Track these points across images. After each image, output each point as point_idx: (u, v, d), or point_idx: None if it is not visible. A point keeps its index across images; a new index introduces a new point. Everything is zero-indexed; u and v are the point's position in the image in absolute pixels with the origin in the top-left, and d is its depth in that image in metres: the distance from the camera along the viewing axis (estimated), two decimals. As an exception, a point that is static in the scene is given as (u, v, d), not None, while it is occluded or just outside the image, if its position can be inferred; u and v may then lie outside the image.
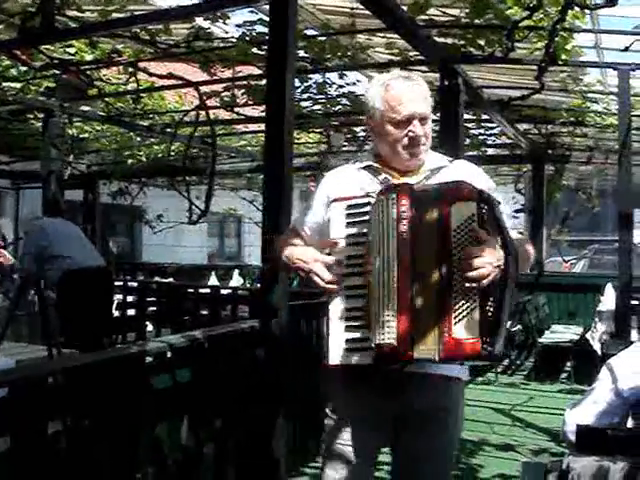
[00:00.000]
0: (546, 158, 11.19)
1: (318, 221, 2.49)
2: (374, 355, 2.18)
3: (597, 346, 7.55)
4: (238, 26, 6.21)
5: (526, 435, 6.01)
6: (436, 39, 5.94)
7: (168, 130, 9.55)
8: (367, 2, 4.87)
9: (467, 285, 2.08)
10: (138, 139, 11.34)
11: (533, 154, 10.97)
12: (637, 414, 2.39)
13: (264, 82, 6.55)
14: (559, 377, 8.37)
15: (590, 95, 7.79)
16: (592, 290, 9.13)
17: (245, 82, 7.38)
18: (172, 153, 9.88)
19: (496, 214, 2.14)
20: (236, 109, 8.71)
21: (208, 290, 8.92)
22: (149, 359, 3.08)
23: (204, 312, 8.29)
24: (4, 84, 7.59)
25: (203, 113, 8.00)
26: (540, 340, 8.76)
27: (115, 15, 5.90)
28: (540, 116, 8.78)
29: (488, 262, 2.06)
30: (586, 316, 9.24)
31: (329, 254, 2.32)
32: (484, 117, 9.05)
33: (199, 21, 6.22)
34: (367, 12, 5.30)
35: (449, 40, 5.99)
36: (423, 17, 5.46)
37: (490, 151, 11.93)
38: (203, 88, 7.66)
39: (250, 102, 7.97)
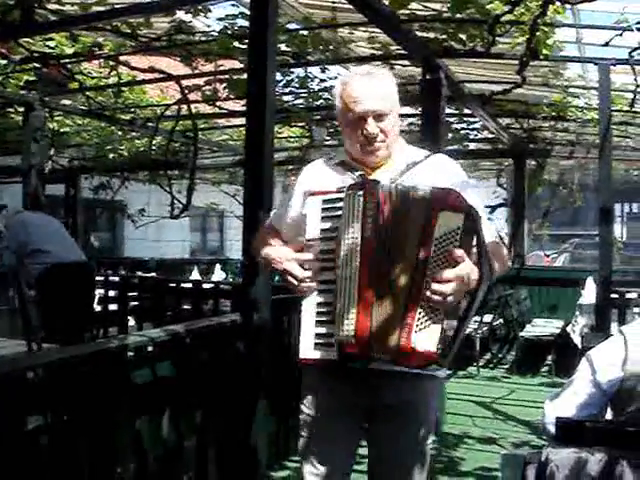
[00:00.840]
0: (527, 152, 11.23)
1: (295, 215, 2.50)
2: (338, 351, 2.21)
3: (577, 339, 7.60)
4: (220, 20, 6.19)
5: (507, 428, 6.04)
6: (418, 33, 5.94)
7: (150, 124, 9.51)
8: (349, -4, 4.86)
9: (435, 299, 2.08)
10: (119, 133, 11.28)
11: (515, 148, 11.01)
12: (615, 406, 2.40)
13: (246, 76, 6.54)
14: (540, 370, 8.43)
15: (571, 90, 7.82)
16: (573, 284, 9.18)
17: (227, 76, 7.35)
18: (154, 147, 9.84)
19: (479, 230, 2.13)
20: (218, 103, 8.69)
21: (190, 285, 8.89)
22: (130, 353, 3.07)
23: (186, 307, 8.27)
24: (-17, 78, 7.53)
25: (185, 107, 7.97)
26: (521, 334, 8.81)
27: (95, 8, 5.86)
28: (521, 111, 8.81)
29: (458, 289, 2.08)
30: (567, 310, 9.28)
31: (304, 250, 2.33)
32: (466, 111, 9.07)
33: (180, 14, 6.19)
34: (349, 6, 5.30)
35: (431, 34, 5.99)
36: (405, 11, 5.47)
37: (472, 145, 11.96)
38: (185, 82, 7.62)
39: (232, 96, 7.95)
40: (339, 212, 2.25)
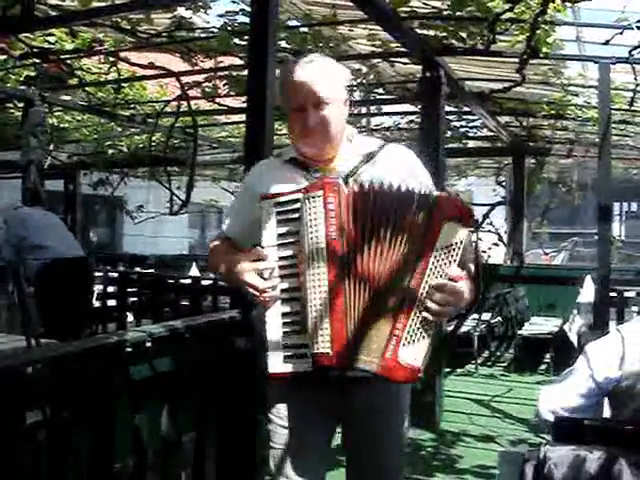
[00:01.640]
0: (527, 151, 11.24)
1: (248, 221, 2.32)
2: (312, 362, 2.08)
3: (574, 338, 7.61)
4: (220, 16, 6.19)
5: (505, 426, 6.05)
6: (418, 31, 5.95)
7: (149, 120, 9.50)
8: (349, -7, 4.87)
9: (426, 316, 1.99)
10: (119, 129, 11.29)
11: (514, 147, 11.01)
12: (614, 405, 2.41)
13: (246, 73, 6.54)
14: (538, 369, 8.44)
15: (571, 88, 7.82)
16: (572, 282, 9.18)
17: (227, 73, 7.35)
18: (153, 144, 9.82)
19: (478, 247, 2.09)
20: (218, 100, 8.69)
21: (189, 281, 8.89)
22: (128, 349, 3.07)
23: (185, 303, 8.28)
24: (-17, 73, 7.53)
25: (184, 103, 7.97)
26: (520, 332, 8.82)
27: (96, 4, 5.85)
28: (521, 109, 8.81)
29: (457, 304, 2.02)
30: (566, 308, 9.30)
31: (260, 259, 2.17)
32: (465, 109, 9.07)
33: (180, 11, 6.19)
34: (349, 3, 5.29)
35: (431, 32, 5.99)
36: (405, 9, 5.47)
37: (471, 143, 11.95)
38: (184, 78, 7.62)
39: (232, 93, 7.95)
40: (296, 215, 2.11)
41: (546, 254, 16.52)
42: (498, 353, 9.33)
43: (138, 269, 12.10)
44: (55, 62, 7.47)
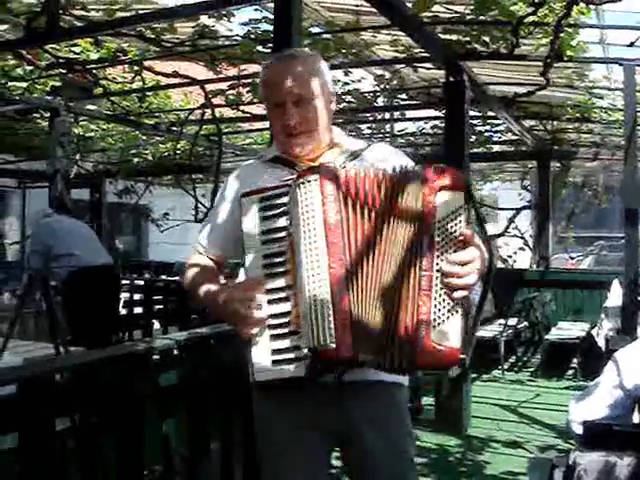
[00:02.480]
0: (552, 155, 11.17)
1: (229, 224, 2.19)
2: (308, 364, 1.89)
3: (602, 342, 7.55)
4: (243, 24, 6.22)
5: (532, 432, 6.01)
6: (441, 36, 5.94)
7: (174, 128, 9.57)
8: (372, -1, 4.87)
9: (449, 290, 1.83)
10: (144, 138, 11.37)
11: (539, 151, 10.96)
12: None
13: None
14: (565, 374, 8.38)
15: (596, 91, 7.77)
16: (599, 286, 9.12)
17: (250, 80, 7.38)
18: (178, 151, 9.90)
19: (479, 211, 1.96)
20: (241, 107, 8.72)
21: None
22: (156, 356, 3.09)
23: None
24: (10, 83, 7.61)
25: (209, 111, 8.02)
26: (546, 337, 8.75)
27: (120, 14, 5.91)
28: (545, 112, 8.77)
29: (475, 269, 1.86)
30: (593, 313, 9.22)
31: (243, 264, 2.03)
32: (489, 114, 9.04)
33: (204, 19, 6.23)
34: (372, 9, 5.30)
35: (454, 37, 5.98)
36: (428, 14, 5.46)
37: (496, 148, 11.93)
38: (208, 86, 7.67)
39: (255, 100, 7.98)
40: (282, 209, 1.97)
41: (572, 259, 16.39)
42: (525, 358, 9.27)
43: (164, 277, 12.16)
44: (80, 72, 7.54)
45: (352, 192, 1.90)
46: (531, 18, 5.21)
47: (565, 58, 5.87)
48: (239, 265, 2.09)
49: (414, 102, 8.95)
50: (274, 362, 1.94)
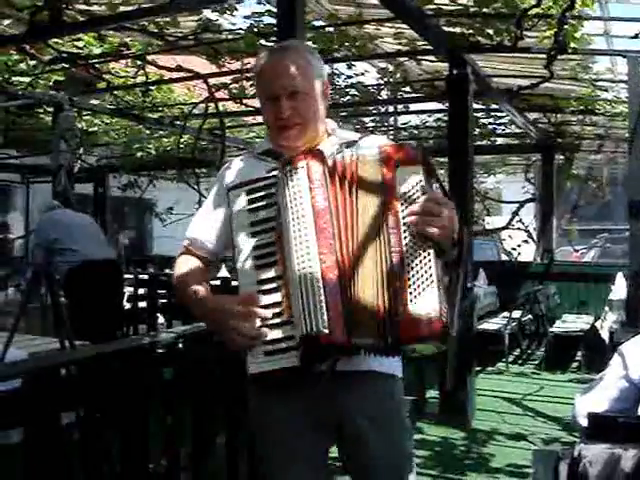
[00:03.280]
0: (556, 147, 11.17)
1: (219, 217, 2.18)
2: (301, 353, 1.87)
3: (606, 335, 7.55)
4: (246, 17, 6.21)
5: (537, 424, 6.01)
6: (444, 28, 5.93)
7: (177, 123, 9.57)
8: (375, -8, 4.87)
9: (422, 255, 1.81)
10: (147, 132, 11.37)
11: (543, 143, 10.95)
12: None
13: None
14: (570, 366, 8.37)
15: (600, 83, 7.76)
16: (603, 279, 9.11)
17: (253, 74, 7.37)
18: (181, 146, 9.88)
19: (439, 179, 1.95)
20: (245, 101, 8.71)
21: (218, 282, 8.92)
22: (161, 350, 3.09)
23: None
24: (13, 78, 7.61)
25: (212, 105, 8.01)
26: (551, 330, 8.75)
27: (123, 8, 5.91)
28: (549, 105, 8.76)
29: (447, 216, 1.83)
30: (597, 305, 9.23)
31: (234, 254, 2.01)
32: (493, 106, 9.03)
33: (207, 13, 6.23)
34: (375, 2, 5.30)
35: (457, 29, 5.97)
36: (431, 6, 5.45)
37: (500, 140, 11.92)
38: (212, 80, 7.66)
39: (259, 94, 7.97)
40: (270, 199, 1.97)
41: (576, 251, 16.36)
42: (529, 351, 9.27)
43: (168, 271, 12.16)
44: (84, 66, 7.54)
45: (337, 177, 1.92)
46: (535, 10, 5.20)
47: (569, 50, 5.85)
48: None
49: (418, 95, 8.95)
50: (267, 353, 1.92)
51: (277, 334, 1.92)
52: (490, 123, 10.54)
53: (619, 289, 7.71)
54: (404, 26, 5.91)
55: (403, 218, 1.84)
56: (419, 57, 7.03)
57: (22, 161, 13.08)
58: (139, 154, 12.27)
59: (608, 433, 2.02)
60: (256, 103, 8.32)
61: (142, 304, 8.89)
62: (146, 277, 9.46)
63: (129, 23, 6.13)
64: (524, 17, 5.33)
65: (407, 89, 8.89)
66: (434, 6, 5.49)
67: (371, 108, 10.21)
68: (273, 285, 1.94)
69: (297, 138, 2.12)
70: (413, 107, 10.42)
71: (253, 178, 2.03)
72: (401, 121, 11.73)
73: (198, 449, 3.19)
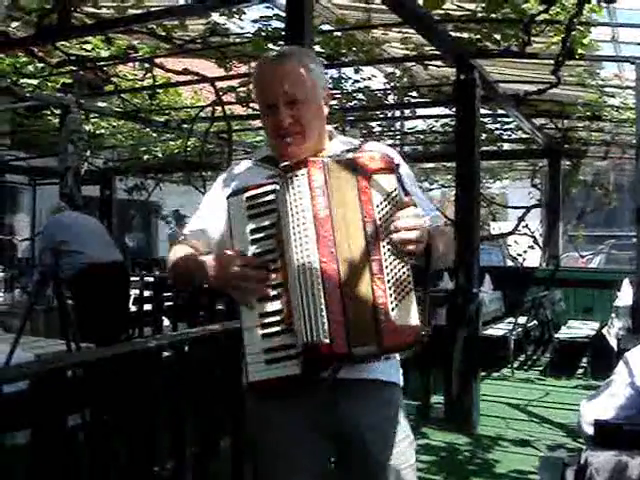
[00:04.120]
0: (562, 153, 11.15)
1: (217, 224, 2.13)
2: (302, 362, 1.86)
3: (613, 342, 7.52)
4: (254, 21, 6.22)
5: (542, 431, 5.99)
6: (452, 34, 5.93)
7: (184, 126, 9.59)
8: (383, -3, 4.87)
9: (400, 265, 1.84)
10: (154, 135, 11.40)
11: (549, 149, 10.94)
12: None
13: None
14: (575, 373, 8.35)
15: (607, 89, 7.76)
16: (609, 286, 9.09)
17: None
18: (188, 149, 9.91)
19: (411, 188, 1.97)
20: (252, 104, 8.72)
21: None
22: (167, 352, 3.10)
23: (220, 307, 8.31)
24: (21, 81, 7.64)
25: (219, 109, 8.02)
26: (556, 335, 8.73)
27: (131, 11, 5.92)
28: (556, 111, 8.75)
29: (420, 224, 1.84)
30: (603, 312, 9.20)
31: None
32: (500, 112, 9.03)
33: (215, 17, 6.24)
34: (383, 7, 5.30)
35: (465, 35, 5.97)
36: (439, 12, 5.46)
37: (506, 146, 11.91)
38: (219, 84, 7.67)
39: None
40: (272, 205, 1.94)
41: (582, 257, 16.33)
42: (534, 357, 9.25)
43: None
44: (91, 69, 7.56)
45: (336, 184, 1.89)
46: (543, 16, 5.20)
47: (576, 56, 5.85)
48: None
49: (425, 100, 8.94)
50: (267, 361, 1.91)
51: (278, 342, 1.90)
52: (497, 128, 10.54)
53: (625, 296, 7.69)
54: (412, 31, 5.92)
55: (380, 228, 1.85)
56: (426, 62, 7.04)
57: (29, 163, 13.11)
58: (146, 157, 12.30)
59: (615, 440, 2.01)
60: (263, 107, 8.23)
61: (147, 306, 8.91)
62: (152, 279, 9.48)
63: (137, 26, 6.15)
64: (532, 23, 5.33)
65: (414, 94, 8.89)
66: (442, 11, 5.49)
67: (378, 113, 10.22)
68: (274, 292, 1.92)
69: (297, 146, 2.08)
70: (420, 112, 10.41)
71: (251, 185, 2.00)
72: (408, 126, 11.74)
73: (203, 451, 3.19)
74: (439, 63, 7.01)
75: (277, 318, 1.91)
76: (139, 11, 5.95)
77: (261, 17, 6.14)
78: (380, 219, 1.86)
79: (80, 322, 5.39)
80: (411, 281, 1.84)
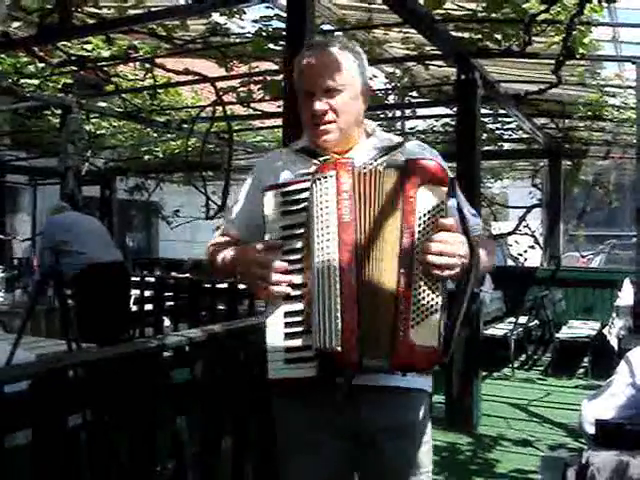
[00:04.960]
0: (563, 153, 11.16)
1: (252, 216, 2.10)
2: (318, 365, 1.86)
3: (614, 342, 7.52)
4: (254, 21, 6.22)
5: (543, 430, 5.99)
6: (453, 33, 5.93)
7: (185, 126, 9.59)
8: (384, -4, 4.87)
9: (430, 283, 1.79)
10: (155, 135, 11.40)
11: (550, 149, 10.94)
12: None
13: (280, 77, 6.57)
14: (576, 373, 8.35)
15: (608, 89, 7.75)
16: (610, 285, 9.09)
17: (261, 77, 7.38)
18: (189, 149, 9.91)
19: (462, 205, 1.88)
20: (252, 105, 8.73)
21: (225, 285, 8.93)
22: (168, 353, 3.09)
23: (221, 307, 8.32)
24: (22, 81, 7.64)
25: (219, 109, 8.02)
26: (557, 335, 8.73)
27: (132, 11, 5.92)
28: (557, 110, 8.76)
29: (457, 253, 1.80)
30: (603, 311, 9.21)
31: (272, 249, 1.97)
32: (501, 111, 9.02)
33: (215, 17, 6.24)
34: (383, 7, 5.30)
35: (466, 34, 5.97)
36: (439, 11, 5.45)
37: (507, 146, 11.91)
38: (219, 84, 7.67)
39: (266, 98, 7.98)
40: (303, 204, 1.92)
41: (583, 257, 16.33)
42: (535, 357, 9.25)
43: (174, 274, 12.18)
44: (92, 69, 7.56)
45: (364, 189, 1.86)
46: (543, 16, 5.19)
47: (577, 56, 5.84)
48: None
49: (425, 100, 8.94)
50: (287, 360, 1.91)
51: (297, 342, 1.90)
52: (497, 128, 10.53)
53: (626, 295, 7.69)
54: (412, 31, 5.92)
55: (416, 241, 1.80)
56: (427, 62, 7.03)
57: (30, 163, 13.11)
58: (146, 157, 12.30)
59: (616, 440, 2.01)
60: (264, 107, 8.34)
61: (148, 307, 8.92)
62: (152, 280, 9.49)
63: (138, 26, 6.14)
64: (532, 22, 5.33)
65: (415, 94, 8.89)
66: (442, 11, 5.49)
67: (379, 112, 10.21)
68: (298, 292, 1.92)
69: (331, 136, 2.08)
70: (420, 112, 10.41)
71: (287, 181, 2.01)
72: (408, 125, 11.74)
73: (205, 452, 3.19)
74: (440, 63, 7.01)
75: (299, 318, 1.91)
76: (140, 11, 5.95)
77: (262, 17, 6.14)
78: (419, 232, 1.81)
79: (81, 322, 5.40)
80: (439, 302, 1.79)
